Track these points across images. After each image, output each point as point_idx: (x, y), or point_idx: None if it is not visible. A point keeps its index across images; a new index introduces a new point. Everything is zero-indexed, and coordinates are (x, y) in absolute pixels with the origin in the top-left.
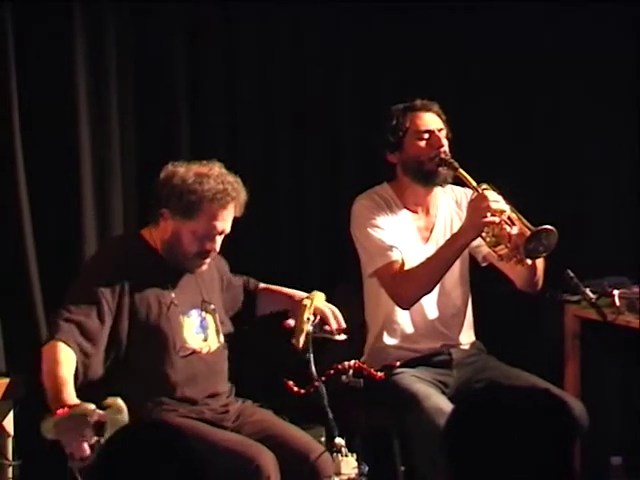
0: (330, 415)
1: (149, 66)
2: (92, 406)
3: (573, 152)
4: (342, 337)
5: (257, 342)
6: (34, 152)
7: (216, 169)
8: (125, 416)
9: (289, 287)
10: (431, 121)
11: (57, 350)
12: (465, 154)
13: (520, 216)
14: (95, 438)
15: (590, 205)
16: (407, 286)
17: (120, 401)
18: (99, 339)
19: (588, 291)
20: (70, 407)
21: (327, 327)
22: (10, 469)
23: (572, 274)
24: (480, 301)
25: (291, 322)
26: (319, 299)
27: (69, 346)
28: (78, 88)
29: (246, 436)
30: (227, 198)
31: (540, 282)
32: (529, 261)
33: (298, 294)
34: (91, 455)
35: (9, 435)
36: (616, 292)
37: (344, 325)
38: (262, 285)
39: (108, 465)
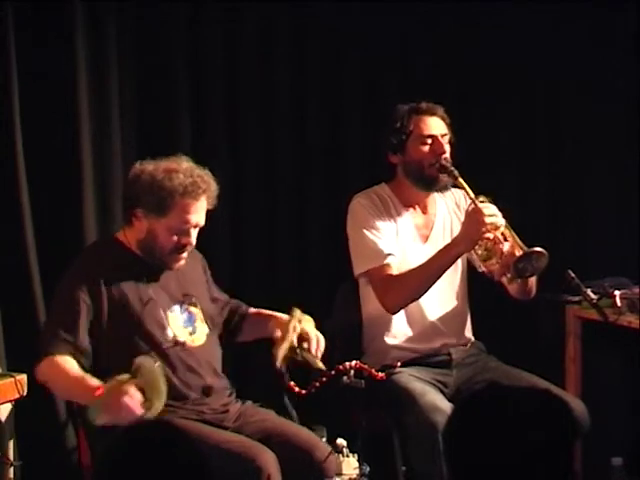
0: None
1: (151, 65)
2: (124, 376)
3: (576, 154)
4: (321, 366)
5: (257, 343)
6: (35, 152)
7: (184, 163)
8: (157, 366)
9: (290, 288)
10: (435, 126)
11: (57, 361)
12: (467, 151)
13: (514, 234)
14: (140, 398)
15: (591, 206)
16: (396, 291)
17: (142, 359)
18: (87, 349)
19: (589, 292)
20: (102, 387)
21: (309, 352)
22: (11, 469)
23: (573, 275)
24: (480, 301)
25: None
26: (308, 322)
27: (67, 355)
28: (79, 87)
29: (248, 436)
30: (198, 191)
31: (533, 291)
32: (518, 280)
33: (281, 316)
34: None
35: (10, 435)
36: (617, 293)
37: (322, 351)
38: (252, 310)
39: (112, 465)
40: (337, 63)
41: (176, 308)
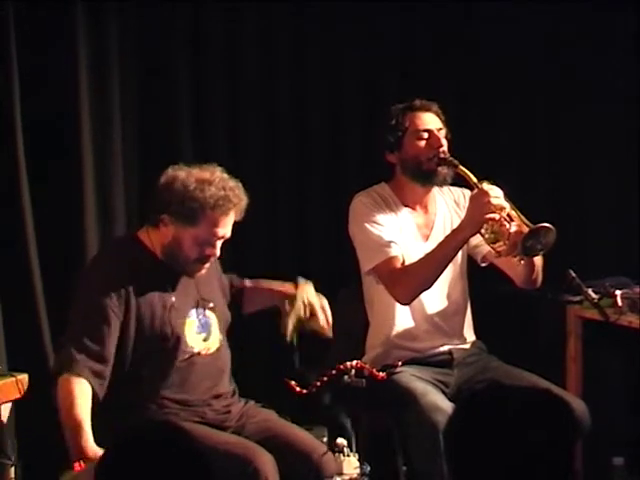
0: None
1: (151, 65)
2: None
3: (576, 154)
4: (329, 333)
5: (258, 341)
6: (36, 153)
7: (217, 174)
8: None
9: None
10: (430, 121)
11: (72, 386)
12: (467, 150)
13: (519, 214)
14: None
15: (592, 205)
16: (406, 282)
17: None
18: (111, 357)
19: (590, 291)
20: (86, 460)
21: (315, 322)
22: (12, 469)
23: (574, 274)
24: (481, 301)
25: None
26: (309, 291)
27: (84, 377)
28: (80, 88)
29: (248, 436)
30: (229, 205)
31: (539, 279)
32: (526, 258)
33: (285, 288)
34: None
35: (11, 436)
36: (618, 292)
37: (331, 321)
38: (248, 282)
39: (114, 466)
40: (337, 63)
41: (192, 313)
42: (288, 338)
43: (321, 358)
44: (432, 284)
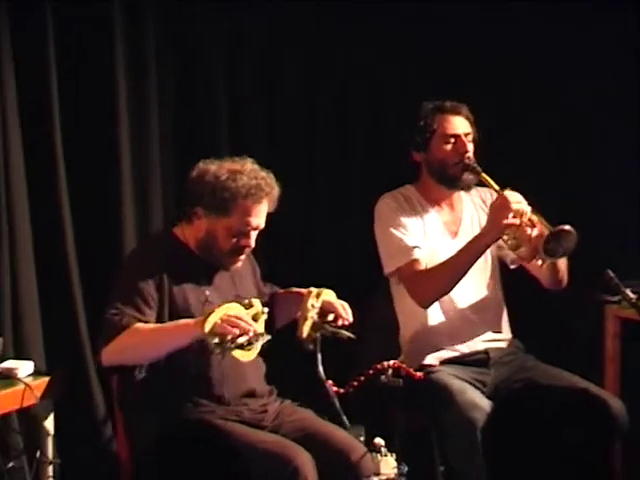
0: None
1: (189, 64)
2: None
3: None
4: (350, 335)
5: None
6: (74, 150)
7: (248, 165)
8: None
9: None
10: (459, 125)
11: (135, 327)
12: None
13: (541, 218)
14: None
15: (631, 204)
16: (427, 285)
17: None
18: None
19: (629, 291)
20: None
21: (336, 323)
22: (50, 467)
23: (612, 274)
24: (518, 300)
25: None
26: (328, 294)
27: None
28: (118, 87)
29: (285, 435)
30: (261, 193)
31: (564, 280)
32: (548, 261)
33: (306, 290)
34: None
35: (49, 434)
36: None
37: (351, 320)
38: (278, 290)
39: (152, 464)
40: (376, 64)
41: None
42: (304, 334)
43: (357, 358)
44: (452, 288)
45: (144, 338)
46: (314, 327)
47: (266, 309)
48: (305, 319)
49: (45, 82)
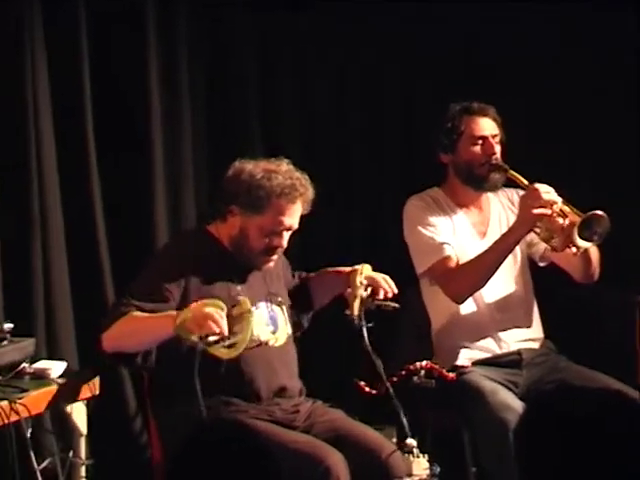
0: (402, 416)
1: (221, 62)
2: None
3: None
4: (395, 305)
5: (327, 342)
6: (106, 143)
7: (284, 165)
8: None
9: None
10: (486, 126)
11: (130, 314)
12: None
13: (572, 207)
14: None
15: None
16: (460, 281)
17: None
18: None
19: None
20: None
21: (379, 296)
22: (83, 468)
23: None
24: (550, 300)
25: (348, 290)
26: (367, 269)
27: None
28: (151, 85)
29: (316, 436)
30: (295, 193)
31: (596, 273)
32: (583, 248)
33: (345, 268)
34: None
35: (82, 434)
36: None
37: (396, 291)
38: (310, 274)
39: (184, 464)
40: (411, 66)
41: (262, 305)
42: (355, 312)
43: (390, 359)
44: (485, 283)
45: (136, 325)
46: (362, 302)
47: (254, 308)
48: (355, 297)
49: (77, 75)
